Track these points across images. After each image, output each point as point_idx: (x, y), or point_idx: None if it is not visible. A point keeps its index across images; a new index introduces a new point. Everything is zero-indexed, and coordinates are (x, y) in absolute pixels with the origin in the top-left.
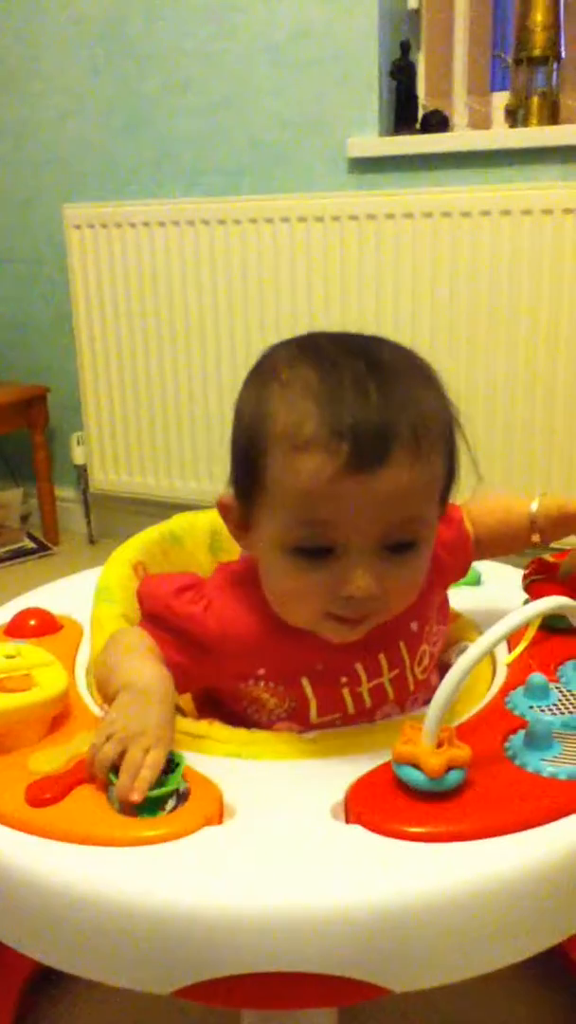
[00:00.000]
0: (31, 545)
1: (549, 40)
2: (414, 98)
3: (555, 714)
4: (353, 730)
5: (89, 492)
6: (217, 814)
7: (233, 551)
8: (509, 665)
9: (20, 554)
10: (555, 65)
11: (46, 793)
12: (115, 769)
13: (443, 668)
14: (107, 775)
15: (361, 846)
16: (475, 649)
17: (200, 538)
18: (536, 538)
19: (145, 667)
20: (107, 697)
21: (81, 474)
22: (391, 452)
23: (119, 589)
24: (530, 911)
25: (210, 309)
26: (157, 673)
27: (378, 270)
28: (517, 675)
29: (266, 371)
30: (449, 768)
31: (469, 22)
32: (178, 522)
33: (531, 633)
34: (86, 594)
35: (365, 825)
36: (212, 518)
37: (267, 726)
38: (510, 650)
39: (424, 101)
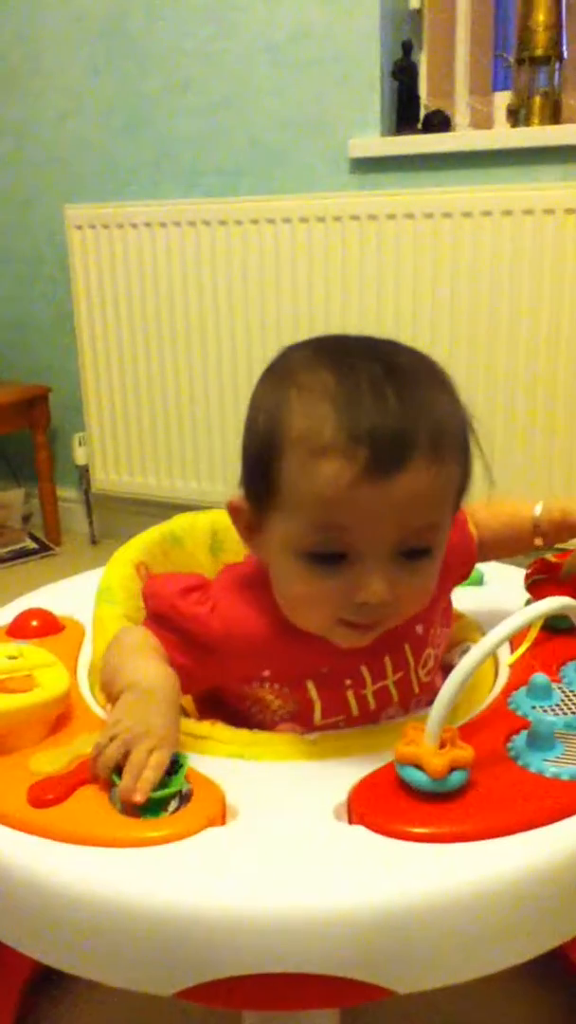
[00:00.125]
0: (33, 545)
1: (551, 40)
2: (416, 98)
3: (558, 714)
4: (356, 731)
5: (91, 492)
6: (220, 815)
7: (233, 552)
8: (512, 666)
9: (22, 554)
10: (557, 65)
11: (48, 794)
12: (118, 770)
13: (446, 669)
14: (110, 775)
15: (364, 847)
16: (478, 650)
17: (200, 539)
18: (539, 542)
19: (150, 667)
20: (111, 697)
21: (83, 474)
22: (410, 458)
23: (121, 590)
24: (533, 912)
25: (211, 309)
26: (162, 673)
27: (379, 270)
28: (520, 675)
29: (282, 373)
30: (452, 769)
31: (471, 22)
32: (179, 522)
33: (533, 634)
34: (88, 595)
35: (368, 826)
36: (212, 519)
37: (270, 727)
38: (513, 651)
39: (426, 101)
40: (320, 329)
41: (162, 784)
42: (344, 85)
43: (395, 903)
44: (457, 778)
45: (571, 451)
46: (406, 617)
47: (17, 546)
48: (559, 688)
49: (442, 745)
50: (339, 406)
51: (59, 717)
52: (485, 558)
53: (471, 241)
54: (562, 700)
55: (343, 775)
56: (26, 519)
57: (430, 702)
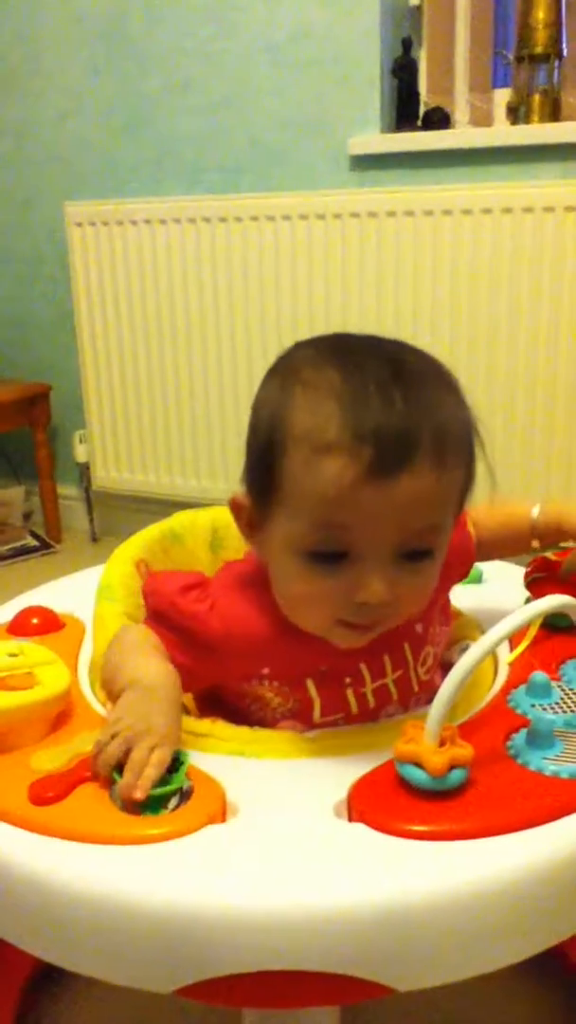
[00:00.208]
0: (34, 543)
1: (551, 37)
2: (416, 95)
3: (557, 712)
4: (355, 729)
5: (91, 490)
6: (220, 812)
7: (233, 549)
8: (511, 664)
9: (23, 552)
10: (557, 62)
11: (48, 792)
12: (119, 767)
13: (445, 667)
14: (111, 773)
15: (364, 844)
16: (477, 648)
17: (201, 536)
18: (536, 544)
19: (151, 664)
20: (112, 695)
21: (83, 472)
22: (414, 459)
23: (121, 587)
24: (533, 910)
25: (211, 307)
26: (163, 670)
27: (379, 268)
28: (519, 674)
29: (287, 371)
30: (451, 767)
31: (471, 19)
32: (179, 520)
33: (533, 632)
34: (88, 592)
35: (368, 823)
36: (213, 516)
37: (270, 724)
38: (512, 649)
39: (426, 98)
40: (320, 326)
41: (162, 781)
42: (344, 83)
43: (395, 901)
44: (457, 776)
45: (571, 449)
46: (405, 618)
47: (18, 544)
48: (558, 686)
49: (442, 743)
50: (344, 404)
51: (59, 715)
52: (483, 558)
53: (471, 239)
54: (561, 698)
55: (343, 773)
56: (27, 517)
57: (429, 700)
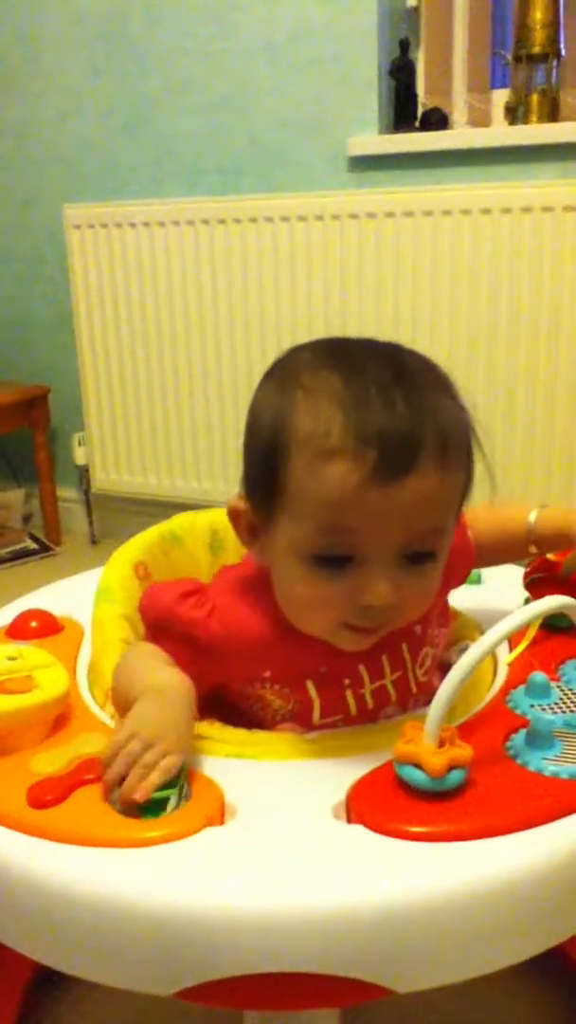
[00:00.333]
0: (33, 546)
1: (549, 37)
2: (414, 96)
3: (556, 713)
4: (354, 730)
5: (91, 492)
6: (219, 815)
7: (233, 550)
8: (510, 664)
9: (22, 555)
10: (555, 62)
11: (47, 795)
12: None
13: (444, 668)
14: (126, 773)
15: (363, 846)
16: (477, 649)
17: (200, 537)
18: (533, 549)
19: (164, 672)
20: (120, 710)
21: (83, 474)
22: (417, 462)
23: (120, 590)
24: (532, 911)
25: (211, 308)
26: (177, 677)
27: (378, 268)
28: (518, 674)
29: (286, 375)
30: (450, 768)
31: (468, 20)
32: (178, 522)
33: (532, 632)
34: (87, 595)
35: (367, 825)
36: (212, 517)
37: (270, 726)
38: (511, 649)
39: (424, 99)
40: (320, 327)
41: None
42: (342, 84)
43: (394, 902)
44: (456, 777)
45: (571, 448)
46: (408, 620)
47: (17, 546)
48: (558, 687)
49: (441, 744)
50: (347, 408)
51: (58, 718)
52: (481, 564)
53: (470, 239)
54: (561, 699)
55: (342, 774)
56: (26, 519)
57: (428, 701)
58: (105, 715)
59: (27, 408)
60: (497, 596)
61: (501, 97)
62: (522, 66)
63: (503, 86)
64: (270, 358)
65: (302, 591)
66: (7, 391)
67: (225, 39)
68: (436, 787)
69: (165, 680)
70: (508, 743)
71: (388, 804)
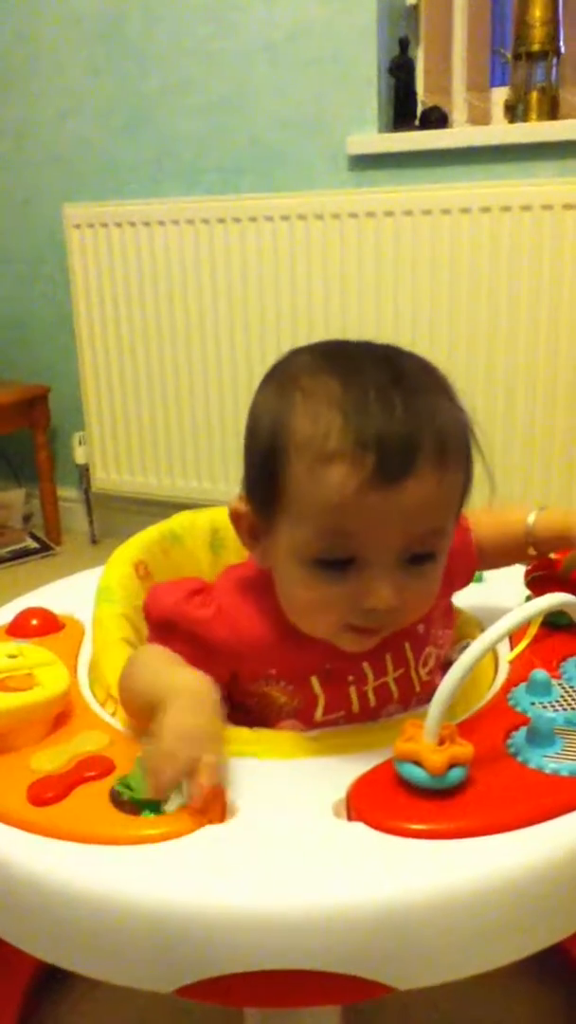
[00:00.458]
0: (33, 545)
1: (548, 35)
2: (413, 95)
3: (557, 710)
4: (355, 728)
5: (91, 492)
6: (219, 812)
7: (234, 549)
8: (511, 662)
9: (22, 554)
10: (554, 60)
11: (48, 792)
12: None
13: (445, 666)
14: (178, 777)
15: (363, 844)
16: (477, 646)
17: (201, 536)
18: (532, 551)
19: (185, 673)
20: (135, 713)
21: (83, 474)
22: (416, 464)
23: (120, 589)
24: (533, 908)
25: (211, 308)
26: (200, 676)
27: (378, 267)
28: (519, 672)
29: (284, 379)
30: (451, 765)
31: (468, 18)
32: (178, 521)
33: (533, 630)
34: (87, 594)
35: (367, 822)
36: (212, 516)
37: (273, 723)
38: (512, 647)
39: (423, 97)
40: (320, 326)
41: None
42: (342, 82)
43: (394, 900)
44: (456, 775)
45: (571, 447)
46: (410, 621)
47: (18, 546)
48: (559, 684)
49: (441, 742)
50: (346, 412)
51: (59, 716)
52: (482, 567)
53: (469, 237)
54: (562, 696)
55: (342, 772)
56: (27, 519)
57: (430, 700)
58: (106, 713)
59: (27, 408)
60: (498, 594)
61: (501, 95)
62: (522, 64)
63: (503, 84)
64: (270, 357)
65: (304, 594)
66: (7, 391)
67: (224, 38)
68: (436, 785)
69: (190, 682)
70: (509, 741)
71: (388, 802)
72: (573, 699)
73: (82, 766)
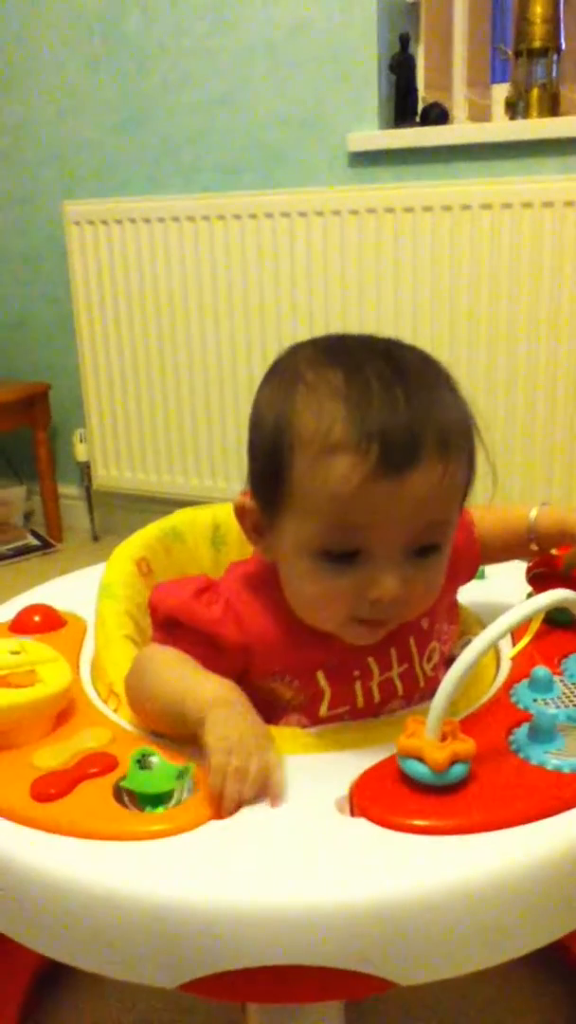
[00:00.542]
0: (35, 542)
1: (549, 32)
2: (414, 91)
3: (559, 707)
4: (357, 724)
5: (92, 489)
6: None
7: (235, 546)
8: (513, 659)
9: (24, 551)
10: (555, 57)
11: (51, 788)
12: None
13: (448, 662)
14: (241, 789)
15: (366, 839)
16: (479, 643)
17: (202, 533)
18: (534, 547)
19: (210, 682)
20: (148, 715)
21: (84, 471)
22: (420, 455)
23: (122, 585)
24: (534, 904)
25: (211, 304)
26: (224, 683)
27: (379, 264)
28: (521, 668)
29: (288, 373)
30: (453, 762)
31: (468, 14)
32: (180, 517)
33: (535, 627)
34: (89, 590)
35: (370, 818)
36: (213, 513)
37: (278, 718)
38: (514, 644)
39: (424, 94)
40: (321, 323)
41: (166, 778)
42: (342, 79)
43: (397, 895)
44: (458, 771)
45: (571, 444)
46: (416, 613)
47: (19, 543)
48: (560, 681)
49: (443, 738)
50: (349, 405)
51: (61, 712)
52: (484, 562)
53: (470, 234)
54: (563, 693)
55: (345, 768)
56: (28, 516)
57: (433, 696)
58: (108, 709)
59: (28, 405)
60: (500, 591)
61: (501, 92)
62: (522, 61)
63: (503, 81)
64: (271, 354)
65: (310, 587)
66: (8, 388)
67: (223, 35)
68: (438, 781)
69: (218, 691)
70: (511, 737)
71: (391, 798)
72: (575, 696)
73: (85, 763)
